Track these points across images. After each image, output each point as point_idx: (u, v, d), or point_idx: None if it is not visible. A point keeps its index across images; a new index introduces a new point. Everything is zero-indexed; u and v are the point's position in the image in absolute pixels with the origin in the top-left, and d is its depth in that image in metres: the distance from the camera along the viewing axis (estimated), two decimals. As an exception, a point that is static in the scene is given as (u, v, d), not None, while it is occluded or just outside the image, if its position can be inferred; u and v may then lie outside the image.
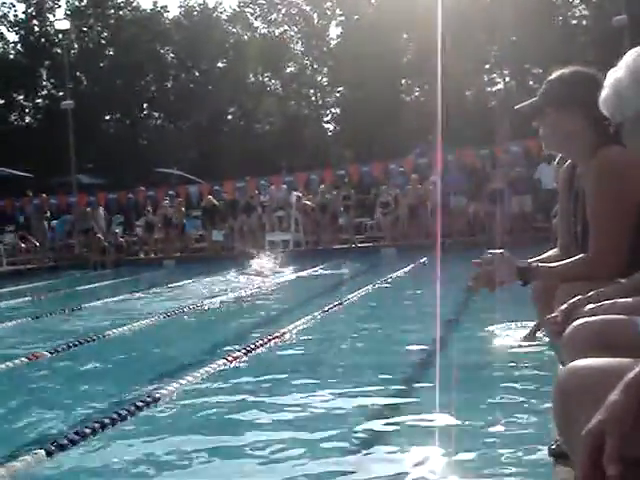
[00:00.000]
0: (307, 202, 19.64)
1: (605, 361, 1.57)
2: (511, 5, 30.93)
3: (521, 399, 4.04)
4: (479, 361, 5.12)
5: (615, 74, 2.13)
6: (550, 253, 3.14)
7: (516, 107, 3.06)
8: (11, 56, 42.04)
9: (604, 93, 2.17)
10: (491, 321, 6.19)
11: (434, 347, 5.43)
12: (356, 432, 3.72)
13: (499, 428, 3.58)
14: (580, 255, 2.76)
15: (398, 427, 3.80)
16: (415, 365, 5.18)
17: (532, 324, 5.37)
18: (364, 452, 3.43)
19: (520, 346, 5.34)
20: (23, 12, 41.74)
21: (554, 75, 2.99)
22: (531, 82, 34.67)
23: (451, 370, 4.58)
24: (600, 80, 2.84)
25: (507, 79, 37.19)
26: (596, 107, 2.29)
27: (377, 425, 3.84)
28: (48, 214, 22.78)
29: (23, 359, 5.96)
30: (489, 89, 38.01)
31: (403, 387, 4.63)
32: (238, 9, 43.27)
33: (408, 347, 5.81)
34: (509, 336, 5.73)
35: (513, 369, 4.76)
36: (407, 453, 3.36)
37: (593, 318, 2.00)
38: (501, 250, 2.87)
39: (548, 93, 2.94)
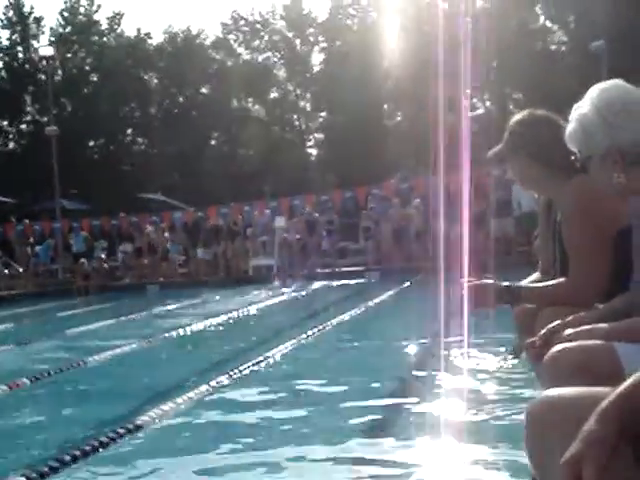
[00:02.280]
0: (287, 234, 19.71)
1: (577, 390, 1.57)
2: (491, 30, 31.29)
3: (504, 422, 4.05)
4: (463, 384, 5.13)
5: (580, 109, 2.18)
6: (533, 277, 3.19)
7: (487, 155, 3.15)
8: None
9: (570, 127, 2.23)
10: (477, 342, 6.21)
11: (419, 367, 5.44)
12: (346, 456, 3.71)
13: (482, 453, 3.58)
14: (560, 279, 2.81)
15: (386, 447, 3.80)
16: (395, 391, 5.18)
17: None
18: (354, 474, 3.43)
19: (501, 367, 5.37)
20: (7, 38, 41.90)
21: (510, 122, 3.08)
22: (511, 106, 35.00)
23: (433, 394, 4.60)
24: (552, 120, 2.92)
25: (488, 104, 37.51)
26: (552, 147, 2.35)
27: (366, 446, 3.84)
28: (31, 240, 22.70)
29: (3, 387, 5.91)
30: (470, 114, 38.31)
31: (387, 409, 4.63)
32: (221, 35, 43.56)
33: (389, 370, 5.82)
34: (491, 357, 5.75)
35: (495, 391, 4.78)
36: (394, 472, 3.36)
37: (572, 344, 2.03)
38: (489, 277, 2.93)
39: (506, 142, 3.04)
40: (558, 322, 2.34)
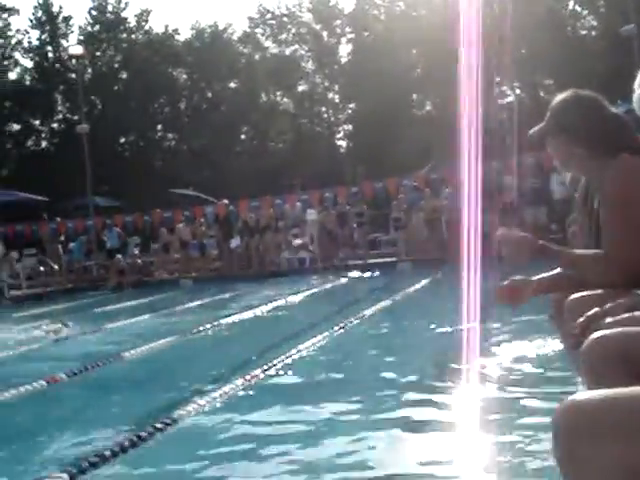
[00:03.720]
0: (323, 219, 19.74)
1: (607, 393, 1.52)
2: (520, 17, 30.97)
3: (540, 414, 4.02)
4: (502, 376, 5.08)
5: None
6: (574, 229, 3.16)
7: (529, 133, 3.09)
8: (27, 82, 42.52)
9: (636, 94, 2.20)
10: (512, 333, 6.18)
11: (455, 360, 5.42)
12: (379, 452, 3.71)
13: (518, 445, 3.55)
14: (596, 250, 2.77)
15: (420, 444, 3.79)
16: (435, 380, 5.16)
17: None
18: (385, 472, 3.43)
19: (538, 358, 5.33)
20: (37, 38, 42.34)
21: (553, 101, 3.03)
22: (542, 94, 34.65)
23: (472, 385, 4.57)
24: (595, 100, 2.88)
25: (517, 91, 37.16)
26: (594, 127, 2.30)
27: (397, 441, 3.84)
28: (62, 238, 22.93)
29: (42, 382, 5.98)
30: (500, 101, 37.97)
31: (425, 400, 4.61)
32: (248, 29, 43.59)
33: (426, 361, 5.80)
34: (531, 349, 5.71)
35: (533, 380, 4.74)
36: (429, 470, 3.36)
37: (612, 331, 1.99)
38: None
39: (547, 121, 2.99)
40: (597, 309, 2.30)
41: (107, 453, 3.84)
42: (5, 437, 4.80)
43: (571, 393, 1.56)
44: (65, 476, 3.55)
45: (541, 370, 5.00)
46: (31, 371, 7.13)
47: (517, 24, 30.43)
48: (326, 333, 7.40)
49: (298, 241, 19.54)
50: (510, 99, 36.80)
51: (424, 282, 12.54)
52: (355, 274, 16.36)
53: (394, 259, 18.33)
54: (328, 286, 14.47)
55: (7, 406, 5.47)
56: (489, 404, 4.29)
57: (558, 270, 3.07)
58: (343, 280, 15.35)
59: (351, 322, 8.21)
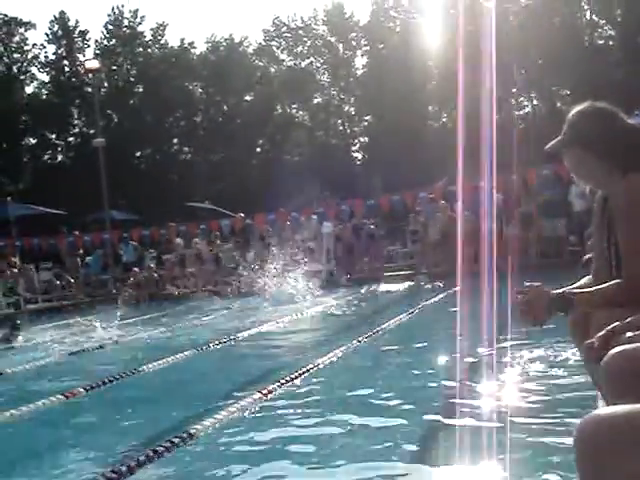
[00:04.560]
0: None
1: (628, 408, 1.51)
2: (536, 27, 30.97)
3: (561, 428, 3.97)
4: (522, 387, 5.03)
5: None
6: (584, 281, 3.12)
7: (546, 148, 3.07)
8: (43, 96, 42.89)
9: None
10: (530, 347, 6.12)
11: (472, 376, 5.37)
12: (398, 468, 3.67)
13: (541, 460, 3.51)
14: (614, 281, 2.74)
15: (441, 460, 3.75)
16: (447, 398, 5.11)
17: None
18: None
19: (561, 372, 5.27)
20: (53, 53, 42.76)
21: (570, 114, 3.01)
22: (559, 104, 34.56)
23: (487, 399, 4.52)
24: (612, 113, 2.85)
25: (535, 102, 37.09)
26: (611, 140, 2.27)
27: (416, 458, 3.80)
28: (81, 251, 23.05)
29: (59, 396, 5.98)
30: (517, 113, 37.93)
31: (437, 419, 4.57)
32: (264, 42, 43.78)
33: (443, 376, 5.75)
34: (549, 363, 5.66)
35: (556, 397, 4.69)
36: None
37: (632, 345, 1.96)
38: (537, 283, 2.86)
39: (564, 133, 2.97)
40: (618, 323, 2.27)
41: (123, 468, 3.83)
42: (23, 452, 4.80)
43: (590, 409, 1.53)
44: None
45: (560, 385, 4.94)
46: (49, 385, 7.15)
47: (534, 35, 30.46)
48: (344, 347, 7.36)
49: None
50: (527, 110, 36.81)
51: (441, 295, 12.48)
52: (372, 287, 16.31)
53: (411, 272, 18.27)
54: (345, 299, 14.43)
55: (24, 421, 5.47)
56: (509, 420, 4.24)
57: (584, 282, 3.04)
58: (360, 293, 15.30)
59: (369, 336, 8.17)
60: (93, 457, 4.41)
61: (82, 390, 6.26)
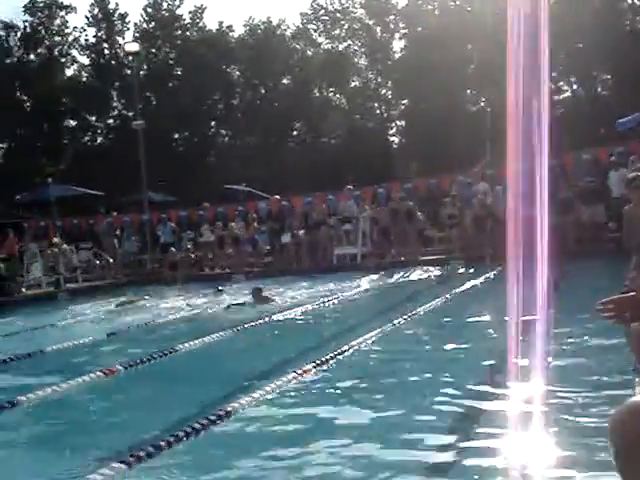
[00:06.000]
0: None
1: None
2: (576, 11, 30.48)
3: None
4: (557, 378, 5.01)
5: None
6: (632, 274, 3.10)
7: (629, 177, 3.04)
8: (83, 79, 43.28)
9: None
10: (567, 335, 6.10)
11: (508, 361, 5.36)
12: (428, 448, 3.70)
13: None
14: None
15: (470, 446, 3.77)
16: (480, 382, 5.12)
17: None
18: (434, 469, 3.42)
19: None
20: (93, 36, 43.01)
21: None
22: (599, 89, 34.02)
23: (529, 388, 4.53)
24: None
25: (574, 86, 36.53)
26: None
27: (448, 443, 3.82)
28: (118, 232, 23.29)
29: (99, 374, 6.09)
30: (556, 97, 37.40)
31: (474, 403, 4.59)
32: (301, 25, 43.63)
33: (479, 361, 5.76)
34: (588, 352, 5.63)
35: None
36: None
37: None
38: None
39: None
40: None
41: (162, 443, 3.90)
42: (63, 428, 4.92)
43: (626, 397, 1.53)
44: (123, 466, 3.62)
45: (597, 371, 4.93)
46: (88, 362, 7.28)
47: (574, 18, 29.96)
48: (378, 330, 7.39)
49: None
50: (567, 94, 36.27)
51: (478, 280, 12.43)
52: (408, 271, 16.26)
53: (447, 256, 18.18)
54: (381, 283, 14.43)
55: (64, 397, 5.58)
56: (543, 406, 4.25)
57: None
58: (396, 277, 15.28)
59: (404, 319, 8.18)
60: (131, 433, 4.50)
61: (121, 368, 6.36)
